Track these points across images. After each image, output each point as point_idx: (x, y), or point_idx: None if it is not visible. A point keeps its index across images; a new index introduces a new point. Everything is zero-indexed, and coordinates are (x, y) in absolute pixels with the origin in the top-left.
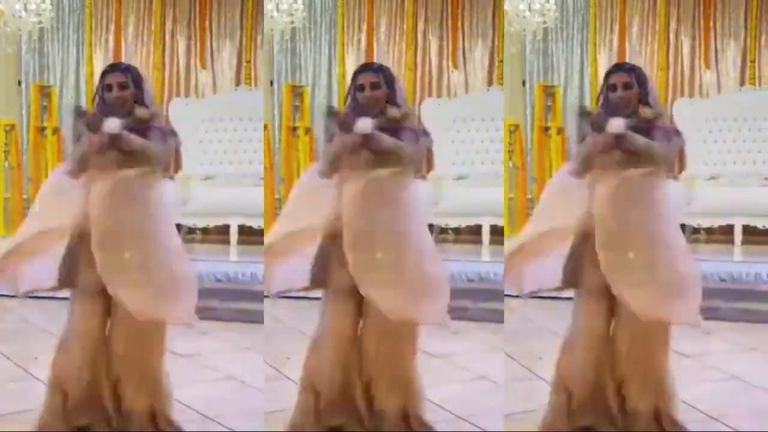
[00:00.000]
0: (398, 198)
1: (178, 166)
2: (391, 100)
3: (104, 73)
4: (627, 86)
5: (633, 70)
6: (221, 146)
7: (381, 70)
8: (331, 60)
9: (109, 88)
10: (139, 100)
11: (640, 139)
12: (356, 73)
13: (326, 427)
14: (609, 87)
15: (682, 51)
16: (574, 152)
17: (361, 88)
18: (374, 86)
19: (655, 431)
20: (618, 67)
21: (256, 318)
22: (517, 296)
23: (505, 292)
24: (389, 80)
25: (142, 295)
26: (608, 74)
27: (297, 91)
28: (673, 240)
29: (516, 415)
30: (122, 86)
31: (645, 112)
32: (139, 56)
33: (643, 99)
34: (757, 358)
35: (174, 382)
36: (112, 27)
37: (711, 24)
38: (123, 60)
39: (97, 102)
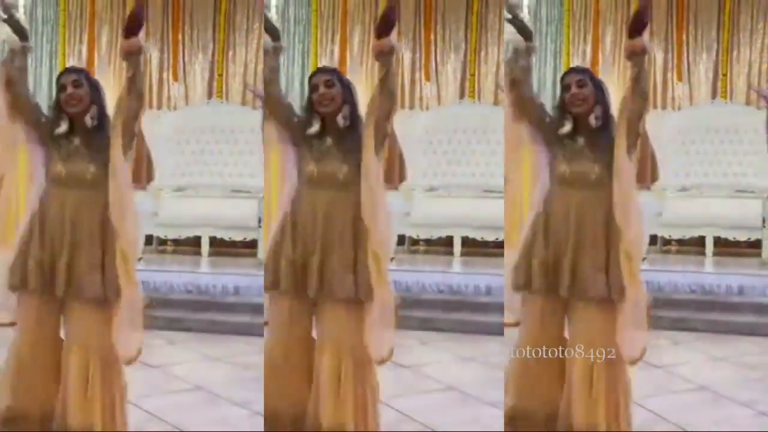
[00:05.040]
0: None
1: (150, 178)
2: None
3: (60, 75)
4: (580, 84)
5: (586, 71)
6: (193, 158)
7: (335, 71)
8: (304, 71)
9: (63, 88)
10: (94, 100)
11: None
12: (312, 75)
13: None
14: (563, 87)
15: (655, 63)
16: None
17: (314, 88)
18: (328, 84)
19: None
20: (571, 69)
21: (226, 329)
22: None
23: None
24: (342, 80)
25: None
26: (564, 76)
27: None
28: None
29: None
30: (76, 84)
31: (591, 119)
32: (112, 67)
33: (598, 100)
34: (727, 369)
35: (143, 392)
36: (86, 38)
37: (684, 37)
38: (96, 71)
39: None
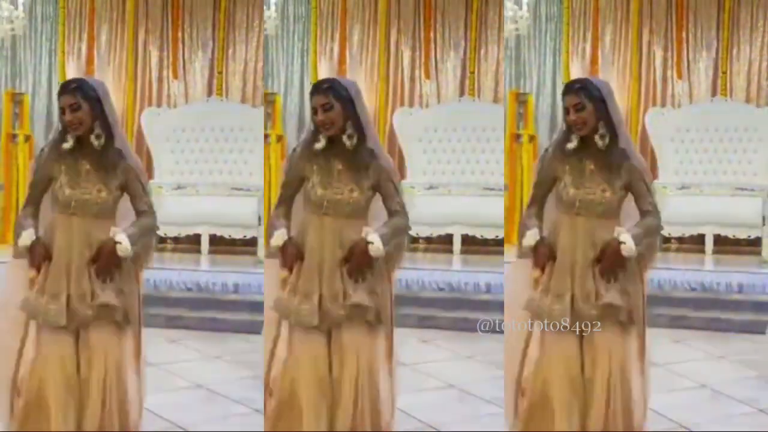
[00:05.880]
0: None
1: (149, 175)
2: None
3: (58, 95)
4: (578, 108)
5: (583, 88)
6: (193, 156)
7: (331, 88)
8: (304, 69)
9: (62, 111)
10: (97, 115)
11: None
12: (310, 95)
13: None
14: (564, 110)
15: (654, 61)
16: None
17: (314, 111)
18: (326, 108)
19: None
20: (568, 88)
21: (226, 327)
22: None
23: None
24: (341, 95)
25: None
26: (562, 95)
27: (269, 99)
28: None
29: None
30: (74, 108)
31: (597, 139)
32: (111, 65)
33: (601, 114)
34: (726, 367)
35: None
36: (85, 36)
37: (683, 35)
38: (96, 68)
39: (58, 125)
